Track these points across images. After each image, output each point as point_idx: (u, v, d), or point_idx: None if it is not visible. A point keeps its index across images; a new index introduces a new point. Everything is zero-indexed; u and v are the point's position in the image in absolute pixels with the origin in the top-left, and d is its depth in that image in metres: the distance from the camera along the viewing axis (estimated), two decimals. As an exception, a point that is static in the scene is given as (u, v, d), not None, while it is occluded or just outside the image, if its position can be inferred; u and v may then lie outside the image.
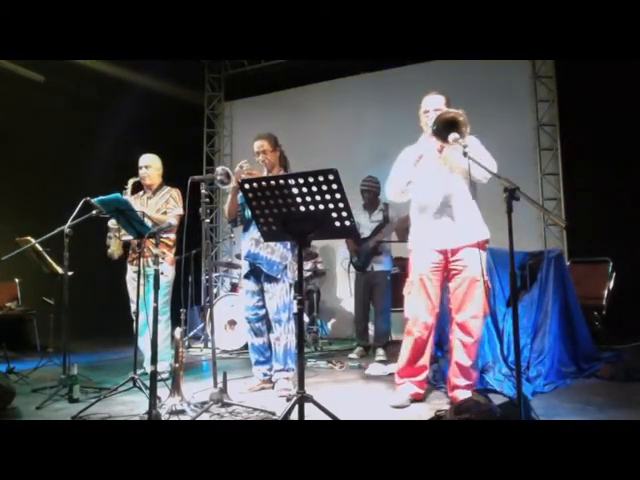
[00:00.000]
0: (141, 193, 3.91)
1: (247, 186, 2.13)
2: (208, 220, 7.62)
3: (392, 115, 6.65)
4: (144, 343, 3.42)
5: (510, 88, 6.11)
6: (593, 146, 5.41)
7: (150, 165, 3.83)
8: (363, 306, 4.91)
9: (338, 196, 2.01)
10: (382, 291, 4.75)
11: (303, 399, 2.13)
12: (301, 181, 2.02)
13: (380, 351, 4.60)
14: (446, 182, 2.77)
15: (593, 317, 4.32)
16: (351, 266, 4.92)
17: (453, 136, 2.42)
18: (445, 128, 2.48)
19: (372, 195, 4.76)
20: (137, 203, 3.76)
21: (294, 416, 2.11)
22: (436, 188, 2.78)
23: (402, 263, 5.21)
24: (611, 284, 4.60)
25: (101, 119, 6.14)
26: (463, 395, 2.66)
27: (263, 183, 2.09)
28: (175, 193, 3.83)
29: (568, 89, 5.81)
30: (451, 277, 2.82)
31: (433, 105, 2.80)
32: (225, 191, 3.22)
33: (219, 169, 3.06)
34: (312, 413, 2.21)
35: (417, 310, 2.84)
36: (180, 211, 3.75)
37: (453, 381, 2.84)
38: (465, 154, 2.33)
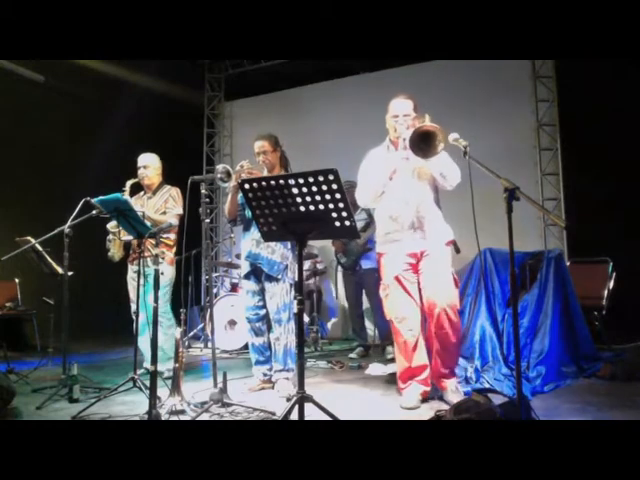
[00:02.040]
0: (141, 193, 3.91)
1: (247, 186, 2.12)
2: (208, 220, 7.62)
3: (392, 115, 6.65)
4: (145, 343, 3.42)
5: (510, 88, 6.11)
6: (593, 146, 5.41)
7: (148, 165, 3.82)
8: (357, 306, 4.88)
9: (338, 196, 2.02)
10: (374, 289, 4.70)
11: (303, 399, 2.12)
12: (301, 181, 2.02)
13: (390, 349, 4.50)
14: (414, 190, 2.86)
15: (593, 317, 4.32)
16: (339, 267, 4.90)
17: (453, 136, 2.43)
18: (421, 141, 2.54)
19: (353, 196, 4.71)
20: (137, 204, 3.76)
21: (294, 416, 2.11)
22: (406, 196, 2.86)
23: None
24: (611, 284, 4.59)
25: (101, 119, 6.14)
26: (449, 383, 2.88)
27: (263, 183, 2.09)
28: (175, 192, 3.81)
29: (568, 89, 5.81)
30: (422, 274, 2.89)
31: (402, 110, 2.86)
32: (225, 191, 3.23)
33: (220, 167, 3.07)
34: (312, 413, 2.21)
35: (400, 309, 2.89)
36: (179, 210, 3.74)
37: (441, 371, 2.92)
38: (465, 154, 2.33)
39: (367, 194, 2.98)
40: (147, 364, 3.65)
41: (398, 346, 2.95)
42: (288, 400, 2.67)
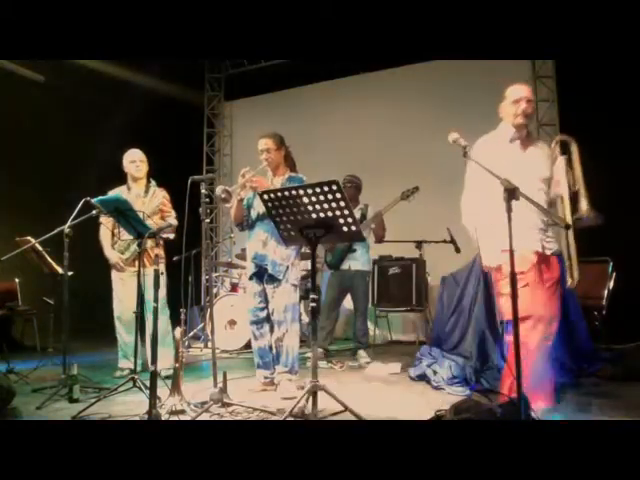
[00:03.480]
0: (125, 189, 3.90)
1: (266, 197, 2.42)
2: (208, 220, 7.62)
3: (392, 115, 6.66)
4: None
5: (510, 88, 6.11)
6: (593, 146, 5.40)
7: (144, 159, 3.92)
8: (335, 306, 4.68)
9: (342, 204, 2.26)
10: (363, 292, 4.59)
11: (316, 387, 2.31)
12: (309, 191, 2.27)
13: (363, 353, 4.48)
14: (531, 184, 2.58)
15: (593, 317, 4.32)
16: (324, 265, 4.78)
17: (453, 136, 2.40)
18: None
19: (353, 190, 4.59)
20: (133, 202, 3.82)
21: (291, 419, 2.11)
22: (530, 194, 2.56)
23: (404, 263, 5.22)
24: (611, 284, 4.59)
25: (101, 119, 6.14)
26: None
27: (279, 194, 2.38)
28: (166, 195, 3.95)
29: (568, 89, 5.81)
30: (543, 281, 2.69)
31: (525, 94, 2.69)
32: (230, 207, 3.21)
33: (218, 190, 3.00)
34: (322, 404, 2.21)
35: (531, 309, 2.55)
36: (174, 214, 3.87)
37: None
38: (465, 154, 2.31)
39: (471, 200, 2.71)
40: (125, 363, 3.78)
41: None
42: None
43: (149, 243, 3.58)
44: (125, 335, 3.75)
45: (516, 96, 2.71)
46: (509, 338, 2.58)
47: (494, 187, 2.44)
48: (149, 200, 3.85)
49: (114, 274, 3.87)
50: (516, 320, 1.92)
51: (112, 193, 3.85)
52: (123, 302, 3.76)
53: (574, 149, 2.72)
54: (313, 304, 2.42)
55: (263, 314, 3.29)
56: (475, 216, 2.67)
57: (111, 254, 3.83)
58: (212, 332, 3.01)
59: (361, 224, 4.54)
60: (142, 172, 3.89)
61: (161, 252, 3.82)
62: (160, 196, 3.90)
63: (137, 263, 3.17)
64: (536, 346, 2.56)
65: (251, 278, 3.30)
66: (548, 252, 2.71)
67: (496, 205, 2.42)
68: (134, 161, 3.85)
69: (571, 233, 2.65)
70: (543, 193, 2.69)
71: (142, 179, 3.91)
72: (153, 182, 3.96)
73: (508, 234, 1.95)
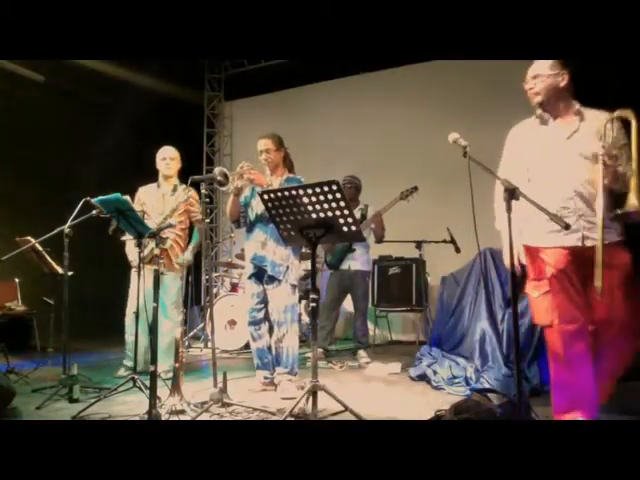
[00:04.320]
0: (155, 186, 3.90)
1: (266, 197, 2.43)
2: (208, 220, 7.63)
3: (391, 115, 6.66)
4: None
5: (510, 88, 6.10)
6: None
7: (174, 157, 3.88)
8: (335, 306, 4.70)
9: (342, 204, 2.27)
10: (363, 292, 4.60)
11: (316, 387, 2.32)
12: (309, 191, 2.28)
13: (362, 353, 4.50)
14: (576, 170, 2.33)
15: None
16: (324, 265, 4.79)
17: (453, 136, 2.38)
18: None
19: (352, 190, 4.61)
20: (152, 197, 3.81)
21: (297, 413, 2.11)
22: (566, 176, 2.33)
23: (404, 263, 5.23)
24: (611, 284, 4.58)
25: (101, 119, 6.15)
26: None
27: (278, 194, 2.39)
28: (196, 195, 3.83)
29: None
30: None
31: (532, 72, 2.44)
32: (227, 191, 3.22)
33: (217, 170, 3.03)
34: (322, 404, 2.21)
35: (560, 312, 2.25)
36: (201, 216, 3.81)
37: None
38: (465, 154, 2.31)
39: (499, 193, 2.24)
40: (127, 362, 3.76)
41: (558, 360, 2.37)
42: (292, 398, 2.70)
43: (168, 243, 3.59)
44: (133, 334, 3.75)
45: (525, 78, 2.47)
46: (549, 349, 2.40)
47: (520, 180, 2.27)
48: (174, 199, 3.79)
49: (133, 273, 3.83)
50: (516, 319, 1.92)
51: (142, 189, 3.89)
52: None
53: (634, 127, 2.17)
54: (313, 304, 2.42)
55: (261, 315, 3.29)
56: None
57: (131, 251, 3.79)
58: (212, 332, 3.01)
59: (361, 224, 4.55)
60: (172, 170, 3.85)
61: (189, 256, 3.88)
62: (184, 195, 3.78)
63: (141, 263, 3.16)
64: (566, 356, 2.26)
65: (250, 277, 3.30)
66: (590, 243, 2.24)
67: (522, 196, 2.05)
68: (164, 158, 3.83)
69: (600, 231, 2.22)
70: (594, 177, 2.30)
71: (172, 177, 3.87)
72: (177, 181, 3.90)
73: (508, 235, 1.95)
